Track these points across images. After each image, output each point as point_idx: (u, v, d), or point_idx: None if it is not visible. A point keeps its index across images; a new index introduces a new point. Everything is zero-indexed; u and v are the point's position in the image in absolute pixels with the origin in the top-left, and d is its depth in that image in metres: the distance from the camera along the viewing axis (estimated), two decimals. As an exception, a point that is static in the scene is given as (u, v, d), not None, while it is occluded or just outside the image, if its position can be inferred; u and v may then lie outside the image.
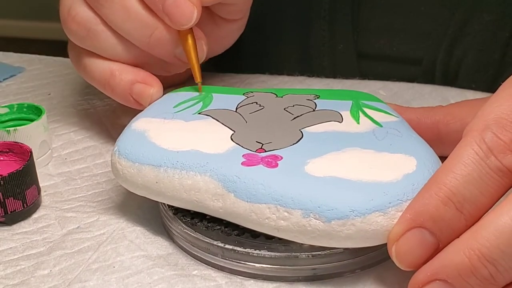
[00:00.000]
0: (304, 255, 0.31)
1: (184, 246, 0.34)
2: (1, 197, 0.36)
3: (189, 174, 0.33)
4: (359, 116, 0.36)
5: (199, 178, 0.33)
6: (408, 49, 0.53)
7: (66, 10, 0.42)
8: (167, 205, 0.35)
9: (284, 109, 0.37)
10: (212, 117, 0.37)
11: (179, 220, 0.34)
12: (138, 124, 0.37)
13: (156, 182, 0.34)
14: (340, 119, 0.36)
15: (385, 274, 0.32)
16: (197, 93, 0.41)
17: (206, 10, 0.45)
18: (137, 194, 0.38)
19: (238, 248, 0.32)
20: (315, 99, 0.39)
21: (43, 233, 0.37)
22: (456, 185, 0.28)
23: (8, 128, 0.41)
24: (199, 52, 0.41)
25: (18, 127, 0.41)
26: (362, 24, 0.53)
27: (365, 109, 0.37)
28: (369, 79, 0.53)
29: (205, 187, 0.32)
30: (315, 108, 0.37)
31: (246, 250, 0.32)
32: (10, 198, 0.37)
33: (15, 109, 0.45)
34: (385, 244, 0.30)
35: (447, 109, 0.38)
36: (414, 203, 0.29)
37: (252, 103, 0.39)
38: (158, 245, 0.35)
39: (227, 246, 0.32)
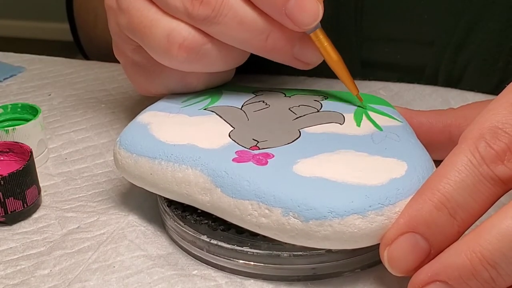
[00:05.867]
0: (285, 254, 0.31)
1: (175, 239, 0.35)
2: (1, 197, 0.36)
3: (181, 167, 0.33)
4: (361, 119, 0.36)
5: (190, 171, 0.33)
6: (411, 57, 0.53)
7: (164, 38, 0.37)
8: (163, 197, 0.35)
9: (289, 108, 0.38)
10: (216, 113, 0.37)
11: (171, 213, 0.35)
12: (143, 117, 0.38)
13: (151, 174, 0.34)
14: (342, 121, 0.36)
15: (385, 274, 0.32)
16: (209, 89, 0.41)
17: None
18: (136, 194, 0.39)
19: (223, 243, 0.32)
20: (323, 100, 0.39)
21: (43, 233, 0.37)
22: (450, 191, 0.28)
23: (7, 128, 0.41)
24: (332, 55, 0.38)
25: (17, 127, 0.42)
26: (365, 32, 0.53)
27: (370, 112, 0.37)
28: (369, 79, 0.53)
29: (195, 180, 0.33)
30: (320, 109, 0.37)
31: (231, 245, 0.32)
32: (10, 198, 0.37)
33: (9, 109, 0.45)
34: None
35: (459, 111, 0.38)
36: (407, 208, 0.29)
37: (259, 101, 0.39)
38: (158, 245, 0.35)
39: (212, 241, 0.32)
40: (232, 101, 0.39)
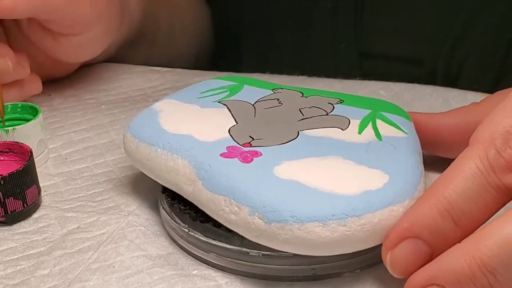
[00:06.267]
0: (254, 252, 0.31)
1: (175, 239, 0.35)
2: (1, 197, 0.36)
3: (173, 156, 0.34)
4: (365, 127, 0.36)
5: (179, 161, 0.34)
6: (410, 50, 0.53)
7: None
8: (160, 185, 0.36)
9: (299, 109, 0.38)
10: (227, 107, 0.38)
11: (163, 199, 0.35)
12: (159, 104, 0.39)
13: (147, 160, 0.36)
14: (345, 127, 0.36)
15: (385, 274, 0.32)
16: (233, 83, 0.42)
17: (39, 25, 0.46)
18: (136, 195, 0.39)
19: (199, 235, 0.33)
20: (337, 103, 0.38)
21: (43, 233, 0.37)
22: (455, 198, 0.28)
23: (7, 128, 0.41)
24: (3, 66, 0.42)
25: (17, 127, 0.41)
26: (364, 24, 0.54)
27: (378, 120, 0.36)
28: (369, 79, 0.53)
29: (183, 171, 0.34)
30: (330, 112, 0.37)
31: (206, 238, 0.33)
32: (10, 198, 0.37)
33: (9, 109, 0.45)
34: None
35: (481, 107, 0.37)
36: (411, 212, 0.29)
37: (274, 99, 0.39)
38: (158, 245, 0.35)
39: (190, 232, 0.33)
40: (248, 96, 0.39)
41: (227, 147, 0.34)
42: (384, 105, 0.39)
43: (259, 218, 0.30)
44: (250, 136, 0.35)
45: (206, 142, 0.34)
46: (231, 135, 0.35)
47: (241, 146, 0.34)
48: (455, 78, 0.52)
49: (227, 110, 0.38)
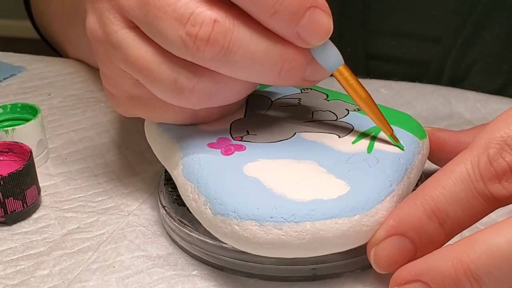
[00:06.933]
0: (211, 242, 0.32)
1: (175, 239, 0.35)
2: (1, 197, 0.36)
3: (168, 141, 0.35)
4: (364, 137, 0.34)
5: (174, 145, 0.35)
6: (417, 53, 0.53)
7: (171, 84, 0.32)
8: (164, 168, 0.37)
9: (313, 111, 0.37)
10: (247, 100, 0.38)
11: (162, 179, 0.37)
12: None
13: (154, 139, 0.37)
14: (343, 135, 0.35)
15: (385, 274, 0.32)
16: None
17: None
18: (136, 195, 0.40)
19: (171, 213, 0.34)
20: (354, 110, 0.37)
21: (43, 233, 0.37)
22: (443, 201, 0.28)
23: (6, 128, 0.41)
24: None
25: (16, 127, 0.41)
26: (372, 25, 0.53)
27: (381, 133, 0.35)
28: (370, 77, 0.53)
29: (175, 154, 0.35)
30: (340, 118, 0.36)
31: (177, 218, 0.34)
32: (10, 198, 0.37)
33: (8, 109, 0.45)
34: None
35: None
36: (399, 210, 0.29)
37: (295, 98, 0.39)
38: (158, 245, 0.35)
39: (167, 215, 0.35)
40: (274, 93, 0.39)
41: (218, 138, 0.34)
42: (400, 118, 0.37)
43: (209, 208, 0.31)
44: (246, 131, 0.35)
45: (202, 131, 0.35)
46: (230, 128, 0.35)
47: (231, 139, 0.34)
48: (460, 83, 0.52)
49: (245, 103, 0.38)
